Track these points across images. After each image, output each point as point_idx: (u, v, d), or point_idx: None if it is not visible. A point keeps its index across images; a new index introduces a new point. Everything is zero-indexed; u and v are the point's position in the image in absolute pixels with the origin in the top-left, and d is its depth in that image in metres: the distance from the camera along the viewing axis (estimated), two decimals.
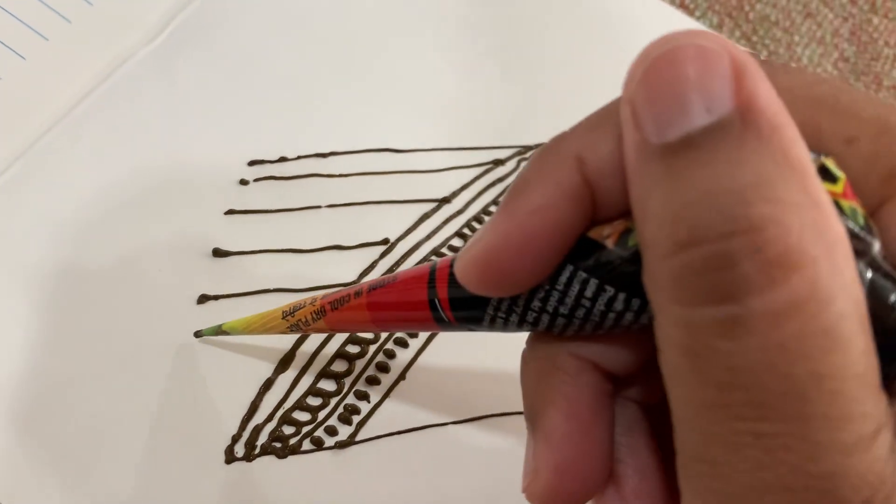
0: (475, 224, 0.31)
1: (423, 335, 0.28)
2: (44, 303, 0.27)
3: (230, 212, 0.29)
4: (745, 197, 0.12)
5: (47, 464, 0.24)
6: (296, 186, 0.30)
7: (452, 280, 0.17)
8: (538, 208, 0.15)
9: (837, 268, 0.13)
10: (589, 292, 0.15)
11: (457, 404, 0.27)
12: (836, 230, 0.13)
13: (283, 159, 0.31)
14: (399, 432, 0.27)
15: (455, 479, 0.26)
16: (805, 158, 0.13)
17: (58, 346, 0.26)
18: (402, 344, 0.28)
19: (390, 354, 0.28)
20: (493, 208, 0.32)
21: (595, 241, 0.15)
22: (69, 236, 0.28)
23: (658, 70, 0.13)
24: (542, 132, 0.34)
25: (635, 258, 0.15)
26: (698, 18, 0.40)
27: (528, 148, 0.33)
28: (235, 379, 0.26)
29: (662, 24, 0.38)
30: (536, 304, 0.16)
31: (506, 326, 0.17)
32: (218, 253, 0.28)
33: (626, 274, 0.15)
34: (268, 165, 0.30)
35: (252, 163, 0.30)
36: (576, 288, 0.16)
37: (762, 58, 0.15)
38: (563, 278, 0.16)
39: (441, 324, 0.18)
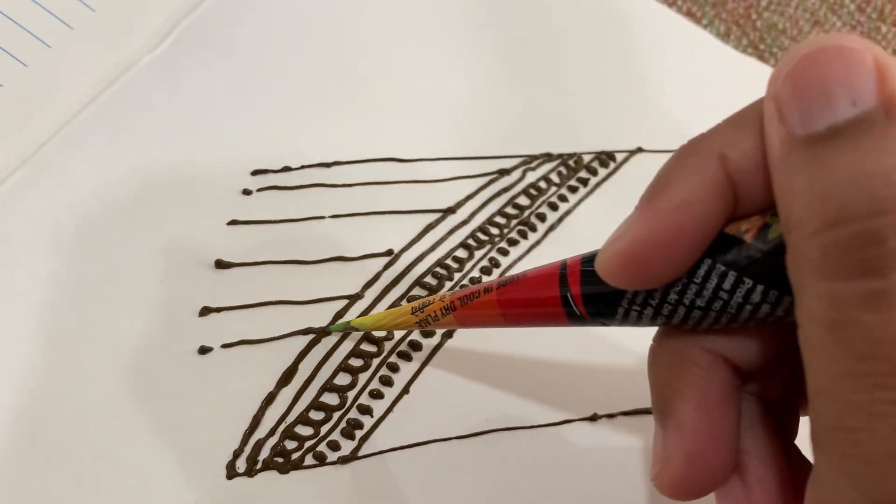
0: (480, 235, 0.31)
1: (427, 347, 0.28)
2: (44, 311, 0.26)
3: (233, 222, 0.29)
4: (892, 179, 0.13)
5: (46, 477, 0.24)
6: (299, 196, 0.30)
7: (585, 277, 0.18)
8: (683, 203, 0.16)
9: None
10: (727, 285, 0.16)
11: (461, 419, 0.27)
12: None
13: (286, 169, 0.30)
14: (403, 447, 0.26)
15: (458, 494, 0.26)
16: None
17: (57, 356, 0.26)
18: (406, 357, 0.28)
19: (394, 368, 0.27)
20: (498, 218, 0.31)
21: (733, 237, 0.16)
22: (70, 245, 0.28)
23: (804, 68, 0.14)
24: (546, 142, 0.34)
25: (774, 251, 0.15)
26: (705, 26, 0.40)
27: (533, 157, 0.33)
28: (237, 392, 0.26)
29: (669, 33, 0.38)
30: (673, 296, 0.17)
31: (640, 320, 0.18)
32: (220, 264, 0.28)
33: (765, 266, 0.16)
34: (271, 175, 0.30)
35: (255, 172, 0.30)
36: (714, 281, 0.16)
37: None
38: (702, 271, 0.16)
39: (573, 319, 0.19)
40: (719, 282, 0.16)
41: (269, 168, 0.30)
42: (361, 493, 0.25)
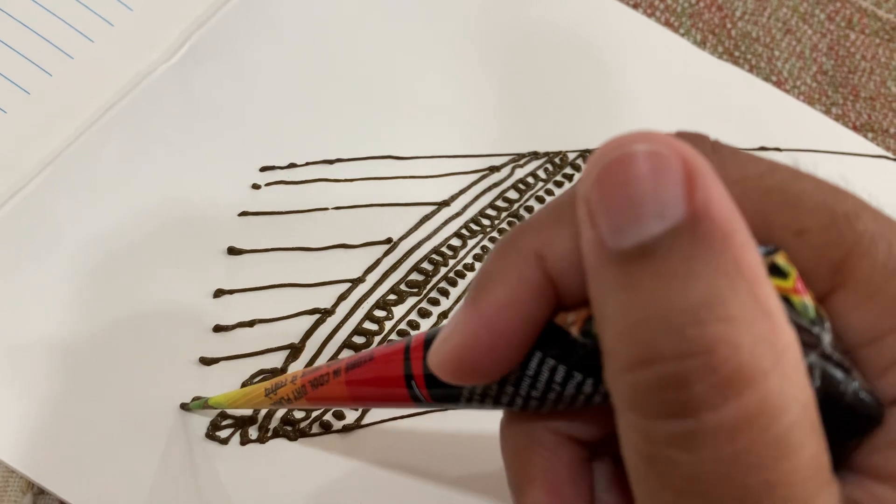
0: (472, 225, 0.33)
1: (425, 326, 0.30)
2: (71, 296, 0.28)
3: (244, 213, 0.31)
4: (698, 316, 0.13)
5: (78, 442, 0.26)
6: (304, 190, 0.32)
7: (426, 360, 0.18)
8: (503, 306, 0.16)
9: (787, 377, 0.13)
10: (558, 377, 0.16)
11: None
12: (786, 337, 0.13)
13: (292, 165, 0.33)
14: (402, 417, 0.28)
15: (453, 460, 0.28)
16: (756, 265, 0.13)
17: (81, 336, 0.28)
18: (405, 335, 0.30)
19: None
20: (489, 211, 0.34)
21: (560, 328, 0.16)
22: (94, 238, 0.30)
23: (612, 172, 0.14)
24: (534, 141, 0.36)
25: (599, 345, 0.15)
26: (682, 35, 0.42)
27: (521, 155, 0.36)
28: (249, 368, 0.28)
29: (649, 40, 0.41)
30: (509, 388, 0.17)
31: (482, 406, 0.18)
32: (232, 251, 0.30)
33: (593, 360, 0.15)
34: (278, 171, 0.32)
35: (264, 168, 0.32)
36: (545, 374, 0.16)
37: (712, 142, 0.16)
38: (533, 364, 0.16)
39: (417, 401, 0.19)
40: (551, 374, 0.16)
41: (277, 164, 0.33)
42: (364, 458, 0.27)
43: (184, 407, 0.27)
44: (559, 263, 0.15)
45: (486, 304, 0.16)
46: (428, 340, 0.18)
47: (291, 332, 0.29)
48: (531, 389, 0.17)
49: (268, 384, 0.24)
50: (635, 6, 0.42)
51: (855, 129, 0.42)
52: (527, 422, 0.18)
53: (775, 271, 0.15)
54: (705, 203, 0.13)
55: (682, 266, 0.13)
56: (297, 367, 0.29)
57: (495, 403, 0.17)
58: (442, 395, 0.18)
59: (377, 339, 0.30)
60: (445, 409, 0.19)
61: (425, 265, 0.32)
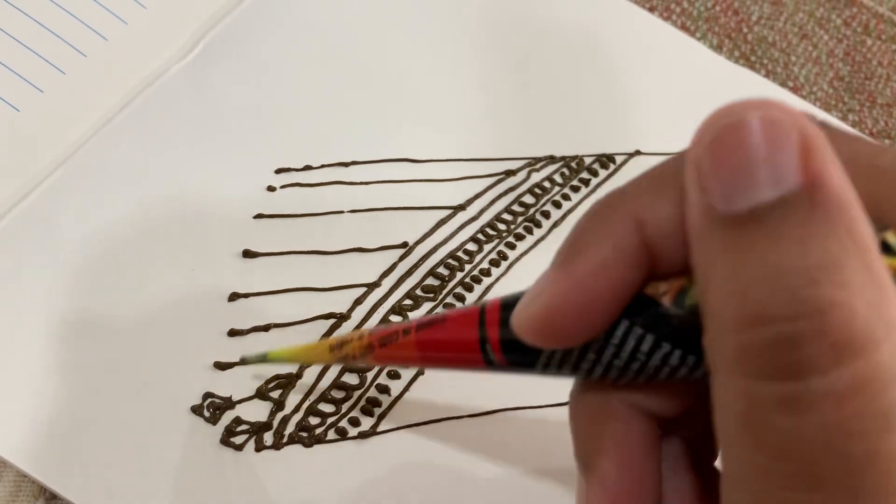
0: (488, 230, 0.33)
1: None
2: (84, 298, 0.28)
3: (259, 216, 0.31)
4: (812, 278, 0.13)
5: (91, 447, 0.26)
6: (320, 193, 0.32)
7: (504, 323, 0.17)
8: (597, 269, 0.15)
9: None
10: (645, 347, 0.16)
11: (472, 399, 0.29)
12: None
13: (307, 167, 0.32)
14: (418, 424, 0.28)
15: (468, 469, 0.28)
16: (869, 237, 0.13)
17: (95, 336, 0.27)
18: None
19: None
20: (505, 215, 0.33)
21: (651, 298, 0.16)
22: (106, 239, 0.29)
23: (727, 138, 0.14)
24: (550, 145, 0.36)
25: (692, 317, 0.15)
26: (699, 39, 0.42)
27: (537, 159, 0.35)
28: (265, 374, 0.28)
29: (665, 44, 0.40)
30: (591, 355, 0.17)
31: (559, 373, 0.17)
32: (248, 254, 0.30)
33: (683, 332, 0.15)
34: (293, 173, 0.32)
35: (279, 170, 0.32)
36: (631, 343, 0.16)
37: (820, 121, 0.16)
38: (619, 333, 0.16)
39: (490, 365, 0.18)
40: (637, 344, 0.16)
41: (292, 167, 0.32)
42: (379, 465, 0.27)
43: (242, 361, 0.26)
44: (658, 230, 0.15)
45: (580, 265, 0.16)
46: (505, 304, 0.18)
47: (307, 336, 0.29)
48: (614, 358, 0.16)
49: (332, 340, 0.23)
50: (651, 10, 0.42)
51: (872, 135, 0.41)
52: (601, 392, 0.18)
53: (885, 248, 0.15)
54: (821, 172, 0.13)
55: (797, 231, 0.13)
56: (313, 371, 0.28)
57: (574, 371, 0.17)
58: (519, 359, 0.18)
59: None
60: (520, 374, 0.18)
61: (441, 270, 0.31)
